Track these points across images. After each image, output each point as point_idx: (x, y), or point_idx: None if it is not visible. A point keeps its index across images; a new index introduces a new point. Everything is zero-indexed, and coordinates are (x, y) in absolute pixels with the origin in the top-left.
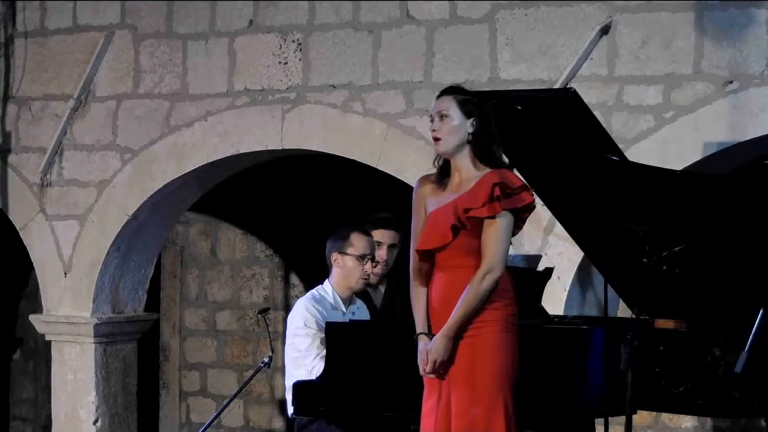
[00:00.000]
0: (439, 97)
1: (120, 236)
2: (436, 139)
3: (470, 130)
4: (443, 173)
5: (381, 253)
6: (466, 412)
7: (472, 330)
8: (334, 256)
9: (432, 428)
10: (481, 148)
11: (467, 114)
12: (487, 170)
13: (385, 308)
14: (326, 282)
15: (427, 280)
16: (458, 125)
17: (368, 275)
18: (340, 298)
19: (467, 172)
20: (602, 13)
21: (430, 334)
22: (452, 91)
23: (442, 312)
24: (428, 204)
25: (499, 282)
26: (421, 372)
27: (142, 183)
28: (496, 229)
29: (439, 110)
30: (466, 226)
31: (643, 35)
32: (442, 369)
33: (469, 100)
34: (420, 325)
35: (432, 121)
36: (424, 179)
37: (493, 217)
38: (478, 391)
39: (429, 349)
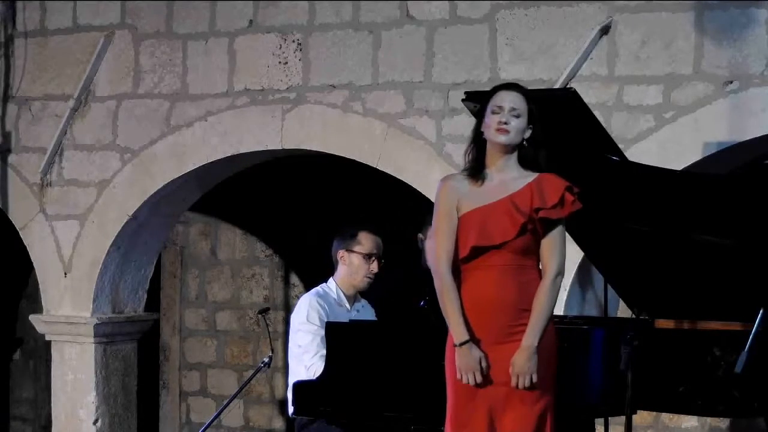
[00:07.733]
0: (508, 89)
1: (120, 236)
2: (505, 131)
3: (526, 135)
4: (475, 171)
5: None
6: (530, 411)
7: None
8: (341, 254)
9: None
10: (530, 154)
11: (530, 120)
12: (533, 173)
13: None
14: (330, 279)
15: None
16: (524, 128)
17: (373, 275)
18: (345, 295)
19: (515, 172)
20: (602, 13)
21: (474, 339)
22: (524, 91)
23: (494, 311)
24: (463, 202)
25: None
26: (473, 381)
27: (142, 183)
28: (561, 231)
29: (513, 107)
30: (534, 226)
31: (643, 35)
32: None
33: (534, 108)
34: (460, 331)
35: (498, 112)
36: (450, 178)
37: (561, 220)
38: (541, 389)
39: (515, 366)
